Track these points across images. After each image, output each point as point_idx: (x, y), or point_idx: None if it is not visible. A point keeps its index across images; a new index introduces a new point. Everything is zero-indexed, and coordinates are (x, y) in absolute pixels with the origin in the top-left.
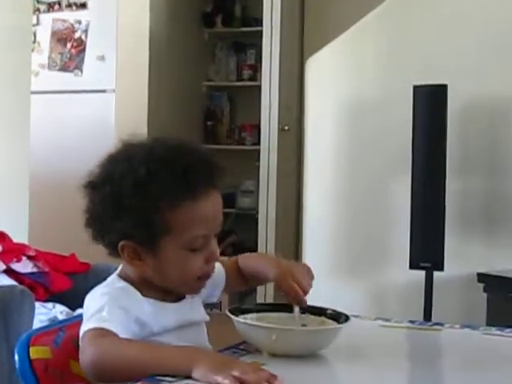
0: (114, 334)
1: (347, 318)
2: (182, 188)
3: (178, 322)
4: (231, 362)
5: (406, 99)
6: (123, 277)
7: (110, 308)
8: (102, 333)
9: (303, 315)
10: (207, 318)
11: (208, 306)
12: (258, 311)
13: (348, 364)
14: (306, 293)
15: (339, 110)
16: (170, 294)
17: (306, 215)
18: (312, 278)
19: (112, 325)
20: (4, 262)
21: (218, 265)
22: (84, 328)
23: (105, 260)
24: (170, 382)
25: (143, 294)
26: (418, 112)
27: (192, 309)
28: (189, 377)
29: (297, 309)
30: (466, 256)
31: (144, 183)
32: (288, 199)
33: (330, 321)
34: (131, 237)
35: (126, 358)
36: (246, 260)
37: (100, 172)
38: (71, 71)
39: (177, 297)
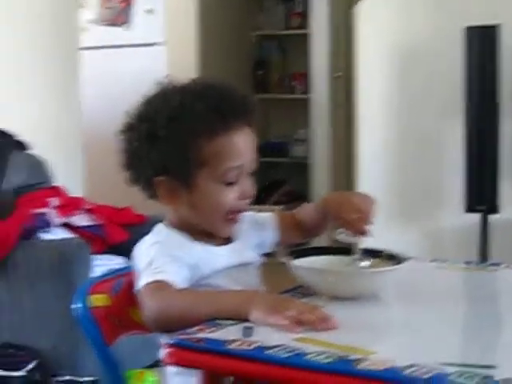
0: (170, 284)
1: (404, 259)
2: (216, 121)
3: (227, 263)
4: (287, 302)
5: (458, 41)
6: (169, 224)
7: (161, 258)
8: (158, 285)
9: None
10: (259, 260)
11: (264, 255)
12: (313, 255)
13: (405, 305)
14: (368, 222)
15: (390, 54)
16: (217, 237)
17: (358, 162)
18: (373, 203)
19: (166, 275)
20: (61, 216)
21: (269, 216)
22: (140, 283)
23: (161, 212)
24: (231, 324)
25: (193, 238)
26: (469, 54)
27: (241, 251)
28: (248, 319)
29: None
30: None
31: (178, 115)
32: (340, 146)
33: (387, 262)
34: (167, 170)
35: (187, 308)
36: (302, 209)
37: (136, 112)
38: (120, 26)
39: (225, 240)
